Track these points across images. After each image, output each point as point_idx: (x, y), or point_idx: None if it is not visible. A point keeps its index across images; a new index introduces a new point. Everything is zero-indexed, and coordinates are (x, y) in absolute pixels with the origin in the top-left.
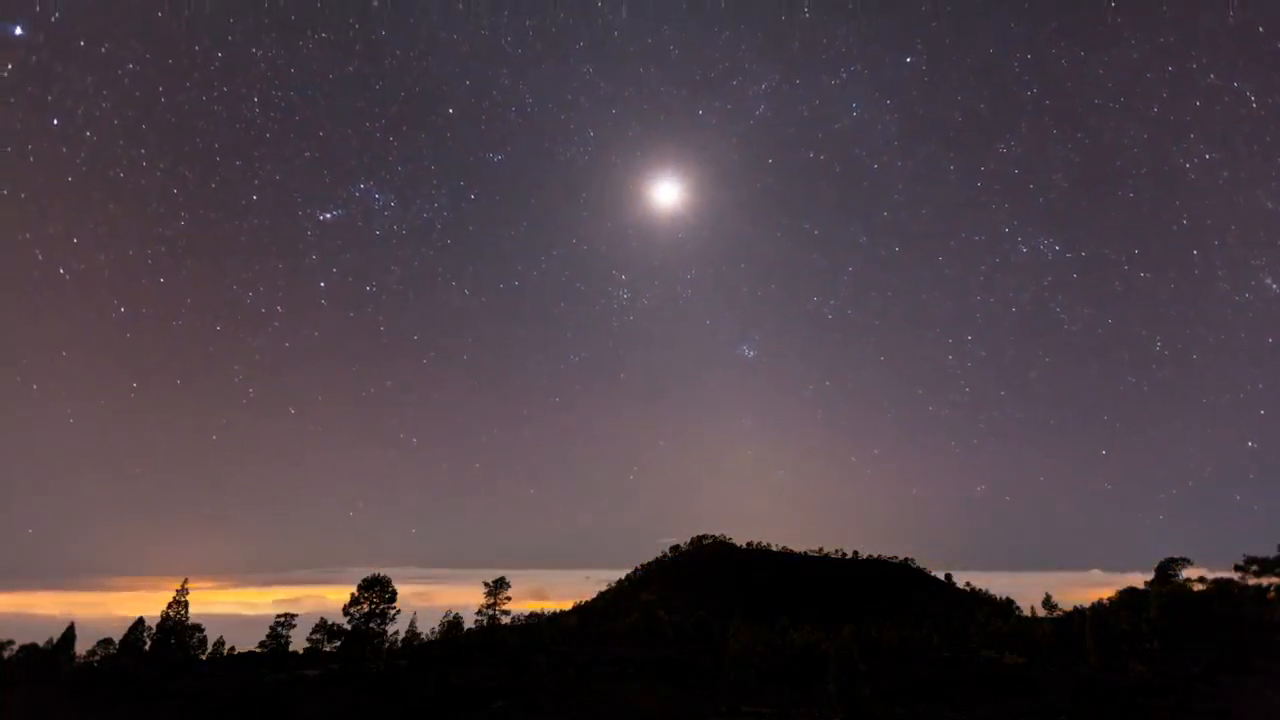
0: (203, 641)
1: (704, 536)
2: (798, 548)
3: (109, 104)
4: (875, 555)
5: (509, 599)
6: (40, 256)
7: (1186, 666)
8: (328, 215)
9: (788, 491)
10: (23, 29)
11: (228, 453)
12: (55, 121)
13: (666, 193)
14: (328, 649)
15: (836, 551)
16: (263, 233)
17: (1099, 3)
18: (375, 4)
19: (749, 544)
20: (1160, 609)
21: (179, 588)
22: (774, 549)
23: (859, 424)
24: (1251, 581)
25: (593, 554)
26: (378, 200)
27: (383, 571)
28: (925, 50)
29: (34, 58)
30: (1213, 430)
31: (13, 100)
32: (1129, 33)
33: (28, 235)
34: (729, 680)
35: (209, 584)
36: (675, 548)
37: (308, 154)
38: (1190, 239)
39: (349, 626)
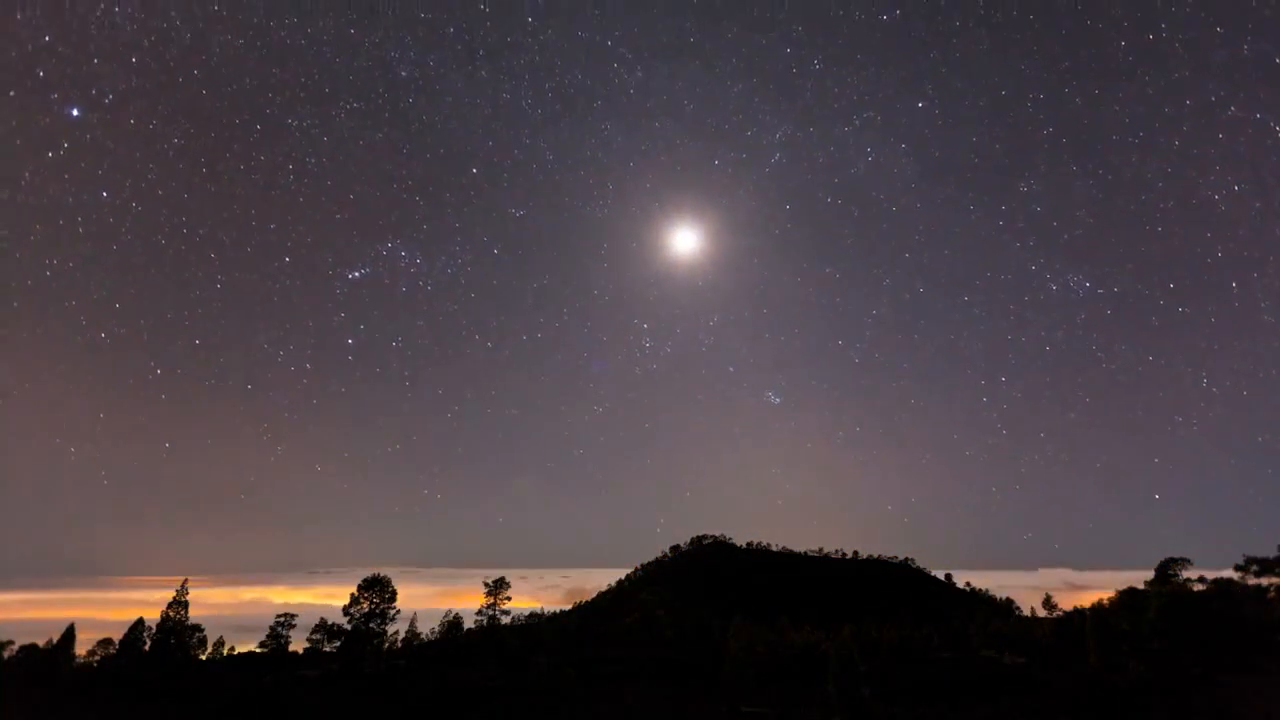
0: (203, 641)
1: (704, 536)
2: (798, 548)
3: (154, 176)
4: (875, 555)
5: (509, 599)
6: (84, 321)
7: (1186, 666)
8: (356, 274)
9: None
10: (79, 111)
11: (252, 507)
12: (105, 194)
13: (685, 242)
14: (328, 649)
15: (836, 551)
16: (294, 293)
17: (1109, 41)
18: (403, 74)
19: (749, 544)
20: (1160, 609)
21: (179, 588)
22: (774, 549)
23: (892, 468)
24: (1251, 581)
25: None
26: (404, 258)
27: (382, 571)
28: (936, 95)
29: (88, 136)
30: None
31: (66, 176)
32: (1142, 69)
33: (73, 303)
34: (729, 680)
35: (209, 584)
36: (675, 548)
37: (338, 216)
38: (1228, 271)
39: (349, 626)
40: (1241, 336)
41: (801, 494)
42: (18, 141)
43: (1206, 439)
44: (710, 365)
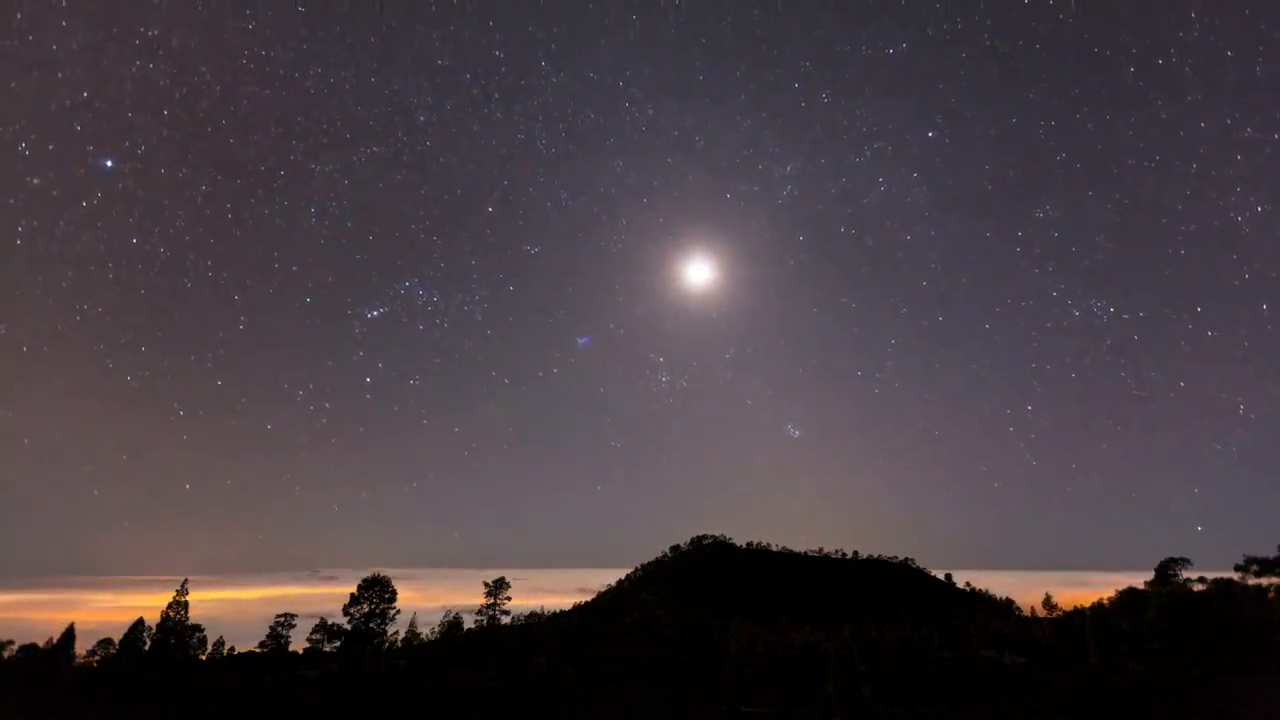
0: (203, 641)
1: (704, 536)
2: (798, 548)
3: (183, 222)
4: (875, 555)
5: (509, 599)
6: (110, 365)
7: (1186, 666)
8: (375, 313)
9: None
10: (113, 162)
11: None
12: (134, 240)
13: (699, 274)
14: (328, 649)
15: (836, 551)
16: (314, 332)
17: (1118, 67)
18: (421, 119)
19: (749, 544)
20: (1160, 609)
21: (179, 588)
22: (774, 549)
23: (917, 499)
24: (1251, 581)
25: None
26: (422, 296)
27: (382, 571)
28: (946, 125)
29: (120, 185)
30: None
31: (99, 224)
32: (1154, 94)
33: (102, 346)
34: (729, 680)
35: (209, 584)
36: (675, 548)
37: (358, 256)
38: (1256, 293)
39: (349, 626)
40: (1276, 360)
41: (825, 527)
42: (55, 193)
43: (1246, 465)
44: (728, 399)
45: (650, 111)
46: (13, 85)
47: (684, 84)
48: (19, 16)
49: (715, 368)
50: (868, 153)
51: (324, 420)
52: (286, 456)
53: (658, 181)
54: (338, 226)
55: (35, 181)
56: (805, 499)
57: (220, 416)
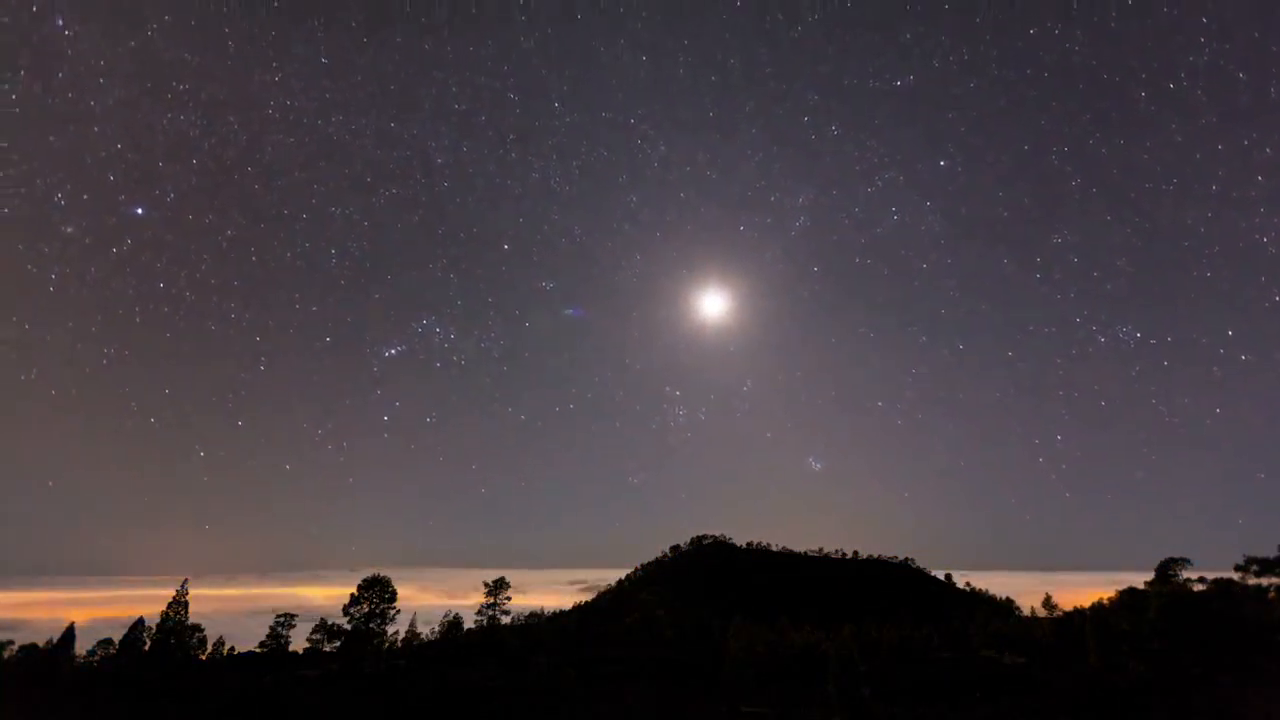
0: (203, 641)
1: (704, 536)
2: (798, 548)
3: (207, 266)
4: (875, 555)
5: (509, 599)
6: (135, 407)
7: (1186, 666)
8: (392, 351)
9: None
10: (143, 209)
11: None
12: (161, 284)
13: (714, 308)
14: (328, 649)
15: (836, 551)
16: (333, 372)
17: (1128, 93)
18: (439, 161)
19: (749, 544)
20: (1160, 609)
21: (179, 588)
22: (774, 549)
23: (949, 534)
24: (1251, 581)
25: None
26: (439, 334)
27: (382, 571)
28: (957, 153)
29: (149, 232)
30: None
31: (128, 270)
32: (1167, 117)
33: (127, 389)
34: (729, 680)
35: (209, 584)
36: (675, 548)
37: (376, 296)
38: None
39: (349, 626)
40: None
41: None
42: (87, 240)
43: None
44: (747, 432)
45: (662, 148)
46: (51, 139)
47: (694, 120)
48: (60, 75)
49: (733, 400)
50: (879, 183)
51: (341, 459)
52: (305, 496)
53: (671, 216)
54: (357, 267)
55: (69, 230)
56: (831, 535)
57: (241, 459)
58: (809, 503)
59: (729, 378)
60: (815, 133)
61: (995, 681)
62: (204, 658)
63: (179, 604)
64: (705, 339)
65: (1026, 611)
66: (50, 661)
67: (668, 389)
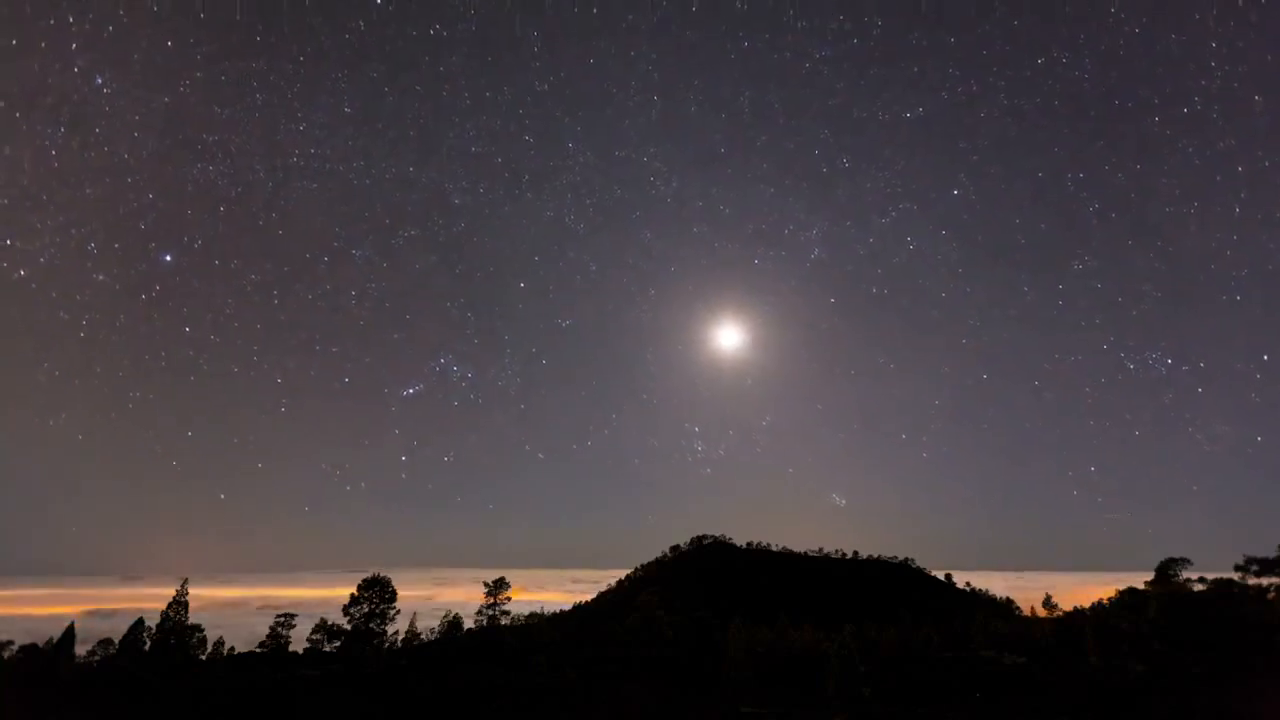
0: (203, 641)
1: (704, 536)
2: (798, 548)
3: (231, 310)
4: (875, 555)
5: (509, 599)
6: (159, 449)
7: (1186, 666)
8: (410, 390)
9: None
10: (171, 256)
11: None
12: (187, 329)
13: (731, 341)
14: (328, 649)
15: (836, 551)
16: (352, 412)
17: (1141, 118)
18: (456, 202)
19: (749, 544)
20: (1160, 609)
21: (179, 588)
22: (774, 549)
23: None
24: (1251, 581)
25: None
26: (456, 372)
27: (382, 572)
28: (971, 182)
29: (177, 278)
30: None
31: (155, 316)
32: (1184, 141)
33: (151, 432)
34: (729, 680)
35: (209, 584)
36: (675, 548)
37: (395, 336)
38: None
39: (349, 626)
40: None
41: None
42: (117, 287)
43: None
44: (768, 468)
45: (675, 184)
46: (87, 191)
47: (706, 156)
48: (97, 130)
49: (753, 435)
50: (893, 213)
51: (360, 502)
52: (323, 538)
53: (685, 251)
54: (376, 307)
55: (101, 278)
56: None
57: (261, 500)
58: (833, 539)
59: (748, 412)
60: (827, 165)
61: (995, 681)
62: (204, 658)
63: (179, 604)
64: (723, 374)
65: (1026, 611)
66: (50, 661)
67: (686, 425)
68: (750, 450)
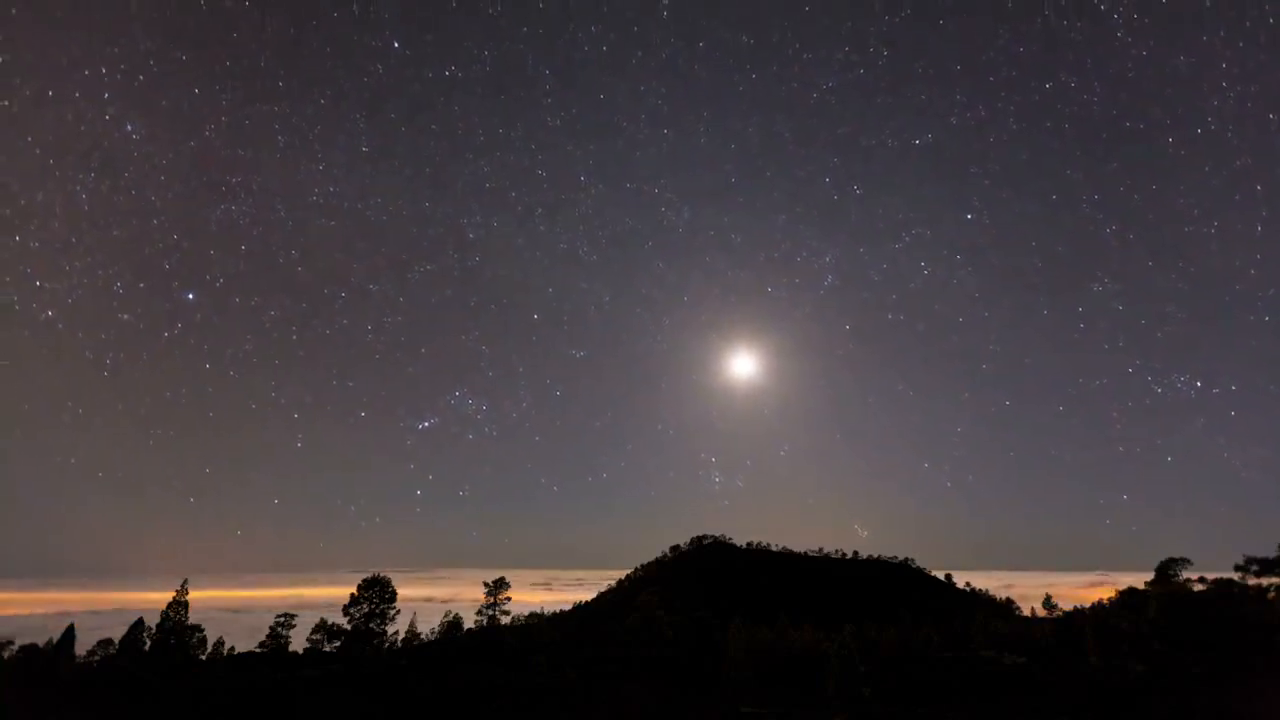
0: (203, 641)
1: (704, 536)
2: (798, 548)
3: (250, 345)
4: (875, 555)
5: (509, 599)
6: (178, 485)
7: (1186, 666)
8: (425, 424)
9: None
10: (194, 294)
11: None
12: (207, 365)
13: (746, 369)
14: (328, 649)
15: (836, 551)
16: (367, 446)
17: (1154, 138)
18: (471, 236)
19: (749, 544)
20: (1160, 609)
21: (179, 588)
22: (774, 549)
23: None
24: (1251, 582)
25: None
26: (471, 405)
27: (382, 572)
28: (984, 206)
29: (198, 315)
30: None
31: (176, 353)
32: (1200, 161)
33: (170, 469)
34: (729, 680)
35: (209, 584)
36: (675, 548)
37: (410, 369)
38: None
39: (349, 626)
40: None
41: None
42: (141, 326)
43: None
44: (788, 498)
45: (686, 214)
46: (115, 233)
47: (717, 186)
48: (126, 174)
49: (771, 465)
50: (906, 239)
51: (373, 538)
52: (338, 573)
53: (697, 281)
54: (392, 341)
55: (125, 317)
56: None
57: (276, 537)
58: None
59: (765, 442)
60: (838, 193)
61: (995, 681)
62: (204, 658)
63: (179, 604)
64: (739, 403)
65: (1026, 611)
66: (50, 661)
67: (703, 455)
68: (769, 480)
